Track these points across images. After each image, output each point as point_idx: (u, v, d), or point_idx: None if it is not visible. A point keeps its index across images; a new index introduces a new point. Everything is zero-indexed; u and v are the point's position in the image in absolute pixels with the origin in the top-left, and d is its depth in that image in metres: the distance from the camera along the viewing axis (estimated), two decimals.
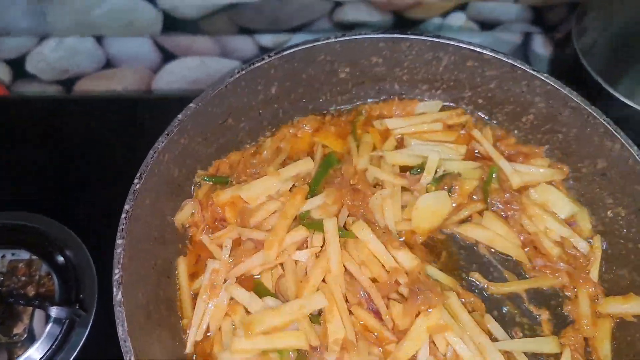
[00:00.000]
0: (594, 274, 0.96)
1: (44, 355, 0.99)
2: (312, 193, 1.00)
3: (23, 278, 1.09)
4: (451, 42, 1.01)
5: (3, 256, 1.10)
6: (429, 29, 1.55)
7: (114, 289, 0.80)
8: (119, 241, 0.83)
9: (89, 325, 1.02)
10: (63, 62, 1.51)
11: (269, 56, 0.99)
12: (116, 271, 0.81)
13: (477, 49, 1.00)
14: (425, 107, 1.13)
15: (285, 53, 0.99)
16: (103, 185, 1.17)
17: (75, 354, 1.00)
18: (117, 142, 1.25)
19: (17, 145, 1.23)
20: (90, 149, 1.23)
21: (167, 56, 1.52)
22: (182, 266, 0.96)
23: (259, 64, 0.98)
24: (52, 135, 1.26)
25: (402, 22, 1.52)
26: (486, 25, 1.55)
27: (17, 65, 1.49)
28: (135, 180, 0.87)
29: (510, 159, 1.05)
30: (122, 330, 0.77)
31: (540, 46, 1.55)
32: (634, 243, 0.94)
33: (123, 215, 0.84)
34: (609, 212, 0.98)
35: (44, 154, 1.22)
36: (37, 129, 1.27)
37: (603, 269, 0.98)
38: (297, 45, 1.00)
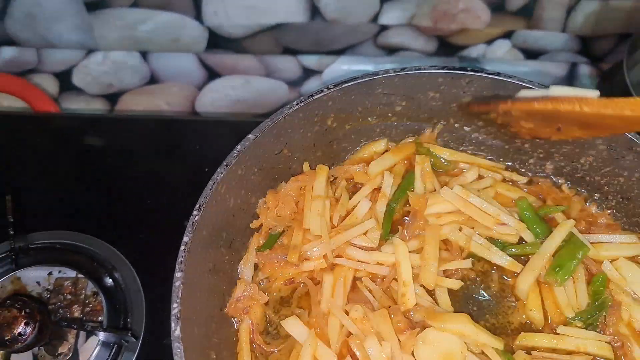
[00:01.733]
0: None
1: None
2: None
3: (69, 296, 1.10)
4: (511, 80, 1.00)
5: (50, 273, 1.11)
6: (472, 55, 1.54)
7: (172, 324, 0.79)
8: (177, 274, 0.82)
9: (137, 350, 1.02)
10: (108, 76, 1.52)
11: (328, 88, 0.98)
12: (174, 305, 0.80)
13: (537, 89, 0.99)
14: None
15: (344, 86, 0.98)
16: (150, 207, 1.18)
17: None
18: (162, 163, 1.25)
19: (64, 164, 1.25)
20: (136, 170, 1.24)
21: (212, 74, 1.54)
22: None
23: (318, 95, 0.98)
24: (99, 154, 1.27)
25: (446, 48, 1.52)
26: (531, 53, 1.54)
27: (64, 78, 1.51)
28: (195, 212, 0.87)
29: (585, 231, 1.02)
30: None
31: (587, 77, 1.54)
32: None
33: (182, 247, 0.84)
34: None
35: (90, 174, 1.23)
36: (83, 147, 1.28)
37: None
38: (356, 78, 0.99)
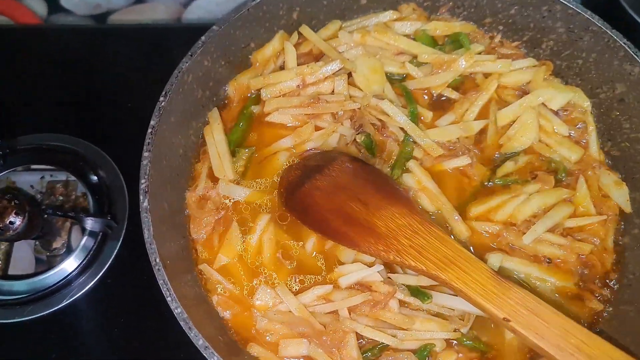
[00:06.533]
0: (594, 148, 1.02)
1: (79, 265, 1.07)
2: None
3: (60, 198, 1.16)
4: None
5: (42, 177, 1.18)
6: None
7: (141, 197, 0.85)
8: (145, 154, 0.87)
9: (120, 239, 1.09)
10: None
11: None
12: (143, 181, 0.86)
13: None
14: None
15: None
16: (131, 109, 1.23)
17: (108, 264, 1.07)
18: (147, 69, 1.28)
19: (53, 71, 1.29)
20: (122, 76, 1.28)
21: None
22: None
23: None
24: (85, 62, 1.31)
25: None
26: None
27: (52, 1, 1.54)
28: (161, 98, 0.91)
29: None
30: (147, 234, 0.83)
31: None
32: None
33: (149, 130, 0.89)
34: (625, 137, 0.99)
35: (77, 80, 1.28)
36: (70, 56, 1.32)
37: None
38: None
